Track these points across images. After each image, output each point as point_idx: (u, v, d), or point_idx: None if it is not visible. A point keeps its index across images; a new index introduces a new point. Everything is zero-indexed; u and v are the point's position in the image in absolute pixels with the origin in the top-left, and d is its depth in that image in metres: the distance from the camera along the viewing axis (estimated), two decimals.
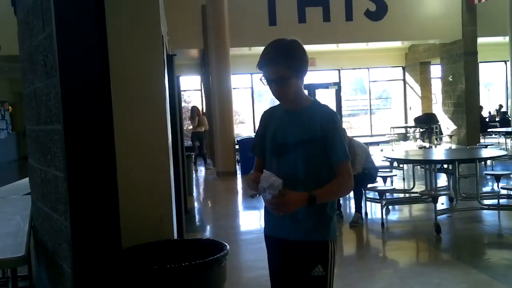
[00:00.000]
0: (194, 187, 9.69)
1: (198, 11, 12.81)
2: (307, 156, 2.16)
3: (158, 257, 2.46)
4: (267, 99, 17.11)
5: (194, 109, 12.89)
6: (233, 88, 12.07)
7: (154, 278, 2.19)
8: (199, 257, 2.30)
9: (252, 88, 16.73)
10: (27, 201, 4.04)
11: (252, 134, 12.50)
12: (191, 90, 17.45)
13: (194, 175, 10.79)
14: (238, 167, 11.68)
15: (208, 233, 6.36)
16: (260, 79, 2.18)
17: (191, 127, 13.05)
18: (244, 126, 17.18)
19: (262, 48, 2.21)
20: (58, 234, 2.54)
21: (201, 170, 12.61)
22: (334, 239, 2.26)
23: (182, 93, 11.78)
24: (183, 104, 12.17)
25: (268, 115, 2.33)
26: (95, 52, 2.36)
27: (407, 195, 7.31)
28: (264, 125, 2.31)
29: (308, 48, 2.21)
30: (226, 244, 2.47)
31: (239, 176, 11.17)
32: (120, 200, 2.37)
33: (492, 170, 9.27)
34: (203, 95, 15.78)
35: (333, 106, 17.16)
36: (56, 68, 2.36)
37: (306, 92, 2.33)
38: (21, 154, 19.07)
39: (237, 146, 11.71)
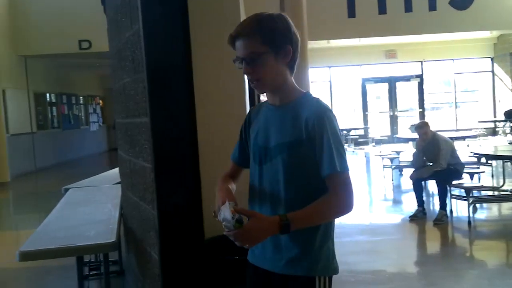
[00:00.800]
0: None
1: (276, 3, 12.84)
2: (289, 165, 1.67)
3: (238, 248, 2.50)
4: (346, 92, 16.88)
5: None
6: (311, 82, 12.00)
7: (235, 269, 2.23)
8: None
9: (330, 81, 16.53)
10: (117, 190, 4.27)
11: None
12: None
13: None
14: None
15: None
16: (233, 61, 1.73)
17: None
18: None
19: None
20: (146, 222, 2.66)
21: None
22: (327, 274, 1.70)
23: None
24: (261, 97, 12.27)
25: (254, 112, 1.87)
26: (180, 47, 2.44)
27: (496, 192, 6.92)
28: (248, 123, 1.87)
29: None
30: None
31: None
32: (203, 191, 2.44)
33: None
34: None
35: (415, 99, 16.65)
36: (143, 64, 2.47)
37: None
38: (111, 146, 20.19)
39: None
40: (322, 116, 1.65)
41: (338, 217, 1.69)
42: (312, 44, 12.29)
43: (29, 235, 3.92)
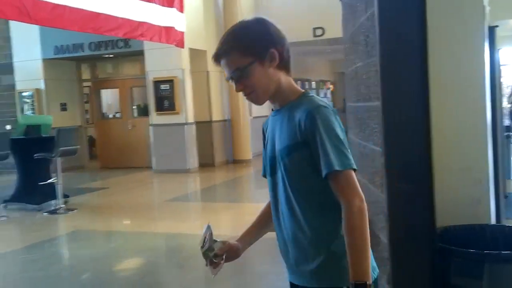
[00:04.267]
0: None
1: None
2: (291, 170, 1.57)
3: (472, 241, 2.35)
4: None
5: None
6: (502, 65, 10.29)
7: (468, 262, 2.11)
8: None
9: None
10: None
11: None
12: None
13: None
14: None
15: None
16: (227, 79, 1.66)
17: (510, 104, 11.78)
18: None
19: None
20: (374, 205, 2.70)
21: None
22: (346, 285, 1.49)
23: (502, 67, 10.70)
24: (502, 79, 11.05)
25: (265, 122, 1.77)
26: (415, 32, 2.37)
27: None
28: (264, 136, 1.77)
29: None
30: None
31: None
32: (435, 179, 2.35)
33: None
34: None
35: None
36: (377, 48, 2.48)
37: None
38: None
39: None
40: (313, 114, 1.51)
41: (366, 219, 1.51)
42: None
43: None
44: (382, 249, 2.51)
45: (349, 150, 1.53)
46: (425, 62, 2.38)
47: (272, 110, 1.72)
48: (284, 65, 1.64)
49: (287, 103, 1.63)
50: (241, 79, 1.61)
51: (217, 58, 1.63)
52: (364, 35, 2.87)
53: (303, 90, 1.67)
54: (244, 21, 1.67)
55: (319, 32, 13.33)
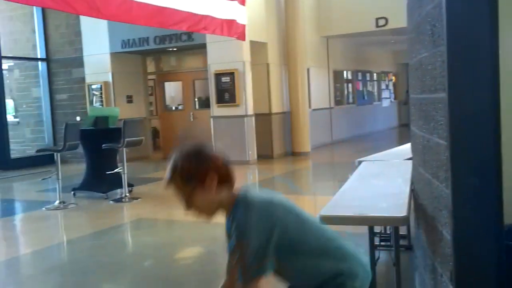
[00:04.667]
0: None
1: None
2: None
3: None
4: None
5: None
6: None
7: None
8: None
9: None
10: (408, 166, 4.29)
11: None
12: None
13: None
14: None
15: None
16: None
17: None
18: None
19: None
20: (438, 200, 2.61)
21: None
22: None
23: None
24: None
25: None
26: (484, 18, 2.26)
27: None
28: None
29: None
30: None
31: None
32: (503, 174, 2.25)
33: None
34: None
35: None
36: (444, 37, 2.38)
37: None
38: (401, 122, 20.24)
39: None
40: (237, 226, 1.76)
41: None
42: None
43: (325, 200, 4.30)
44: (445, 245, 2.43)
45: (254, 256, 1.75)
46: (496, 52, 2.27)
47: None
48: (225, 181, 1.84)
49: (229, 214, 1.86)
50: (188, 204, 1.85)
51: (166, 184, 1.87)
52: (431, 24, 2.77)
53: (236, 194, 1.86)
54: (184, 150, 1.87)
55: (382, 22, 13.01)
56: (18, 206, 8.71)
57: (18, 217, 7.65)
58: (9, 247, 5.80)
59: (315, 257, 1.83)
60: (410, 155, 4.11)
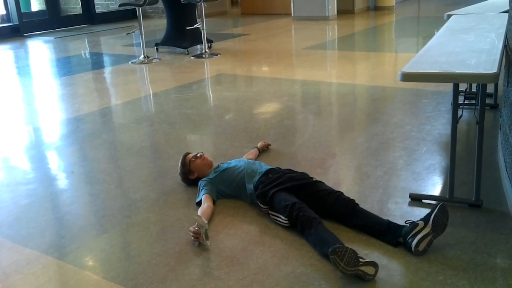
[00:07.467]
0: None
1: None
2: None
3: None
4: None
5: None
6: None
7: None
8: None
9: None
10: (503, 19, 3.96)
11: None
12: None
13: None
14: None
15: None
16: None
17: None
18: None
19: None
20: None
21: None
22: None
23: None
24: None
25: None
26: None
27: None
28: None
29: None
30: None
31: None
32: None
33: None
34: None
35: None
36: None
37: None
38: None
39: None
40: None
41: None
42: None
43: (407, 58, 4.14)
44: None
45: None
46: None
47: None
48: None
49: None
50: None
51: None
52: None
53: None
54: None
55: None
56: (106, 59, 9.15)
57: (107, 70, 8.07)
58: (101, 98, 6.24)
59: None
60: (506, 7, 3.76)
